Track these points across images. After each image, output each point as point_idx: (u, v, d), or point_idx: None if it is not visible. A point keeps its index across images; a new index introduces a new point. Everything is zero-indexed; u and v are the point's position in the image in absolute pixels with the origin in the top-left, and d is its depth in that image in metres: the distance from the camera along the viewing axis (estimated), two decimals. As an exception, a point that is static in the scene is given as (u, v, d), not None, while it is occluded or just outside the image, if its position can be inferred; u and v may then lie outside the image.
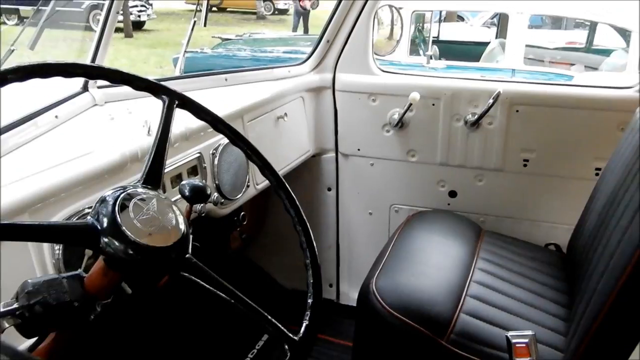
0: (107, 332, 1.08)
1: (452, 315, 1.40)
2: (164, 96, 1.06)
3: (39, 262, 1.04)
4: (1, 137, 1.13)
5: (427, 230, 1.79)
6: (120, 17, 1.51)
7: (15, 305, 0.82)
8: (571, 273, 1.61)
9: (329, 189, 2.22)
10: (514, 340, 1.27)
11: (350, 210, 2.23)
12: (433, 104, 1.97)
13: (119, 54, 9.48)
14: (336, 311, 2.31)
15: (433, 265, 1.60)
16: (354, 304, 2.25)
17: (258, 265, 2.21)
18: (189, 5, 18.83)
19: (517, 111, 1.91)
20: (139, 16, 13.24)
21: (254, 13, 16.83)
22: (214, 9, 16.54)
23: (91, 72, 1.04)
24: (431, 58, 4.64)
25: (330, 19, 2.01)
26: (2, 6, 14.10)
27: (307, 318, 1.01)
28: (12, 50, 1.42)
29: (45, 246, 1.06)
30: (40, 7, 1.53)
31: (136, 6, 12.85)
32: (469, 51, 6.09)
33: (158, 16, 14.79)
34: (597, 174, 1.80)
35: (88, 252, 1.11)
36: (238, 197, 1.62)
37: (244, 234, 1.90)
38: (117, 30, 1.27)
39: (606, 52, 5.71)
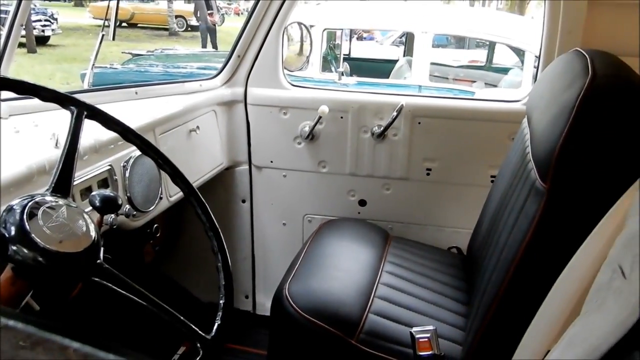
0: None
1: (361, 315, 1.47)
2: (72, 107, 1.06)
3: None
4: None
5: (338, 237, 1.86)
6: (23, 32, 1.48)
7: None
8: (469, 272, 1.73)
9: (243, 201, 2.25)
10: (417, 336, 1.35)
11: (264, 221, 2.28)
12: (341, 117, 2.06)
13: (21, 70, 9.05)
14: (252, 322, 2.33)
15: (343, 269, 1.67)
16: (263, 313, 2.29)
17: (172, 278, 2.20)
18: (96, 21, 18.31)
19: (419, 123, 2.03)
20: (43, 31, 12.68)
21: (167, 29, 16.58)
22: (124, 24, 16.17)
23: None
24: (342, 74, 4.79)
25: (241, 34, 2.06)
26: None
27: (219, 318, 1.04)
28: None
29: None
30: None
31: (40, 20, 12.30)
32: (379, 68, 6.32)
33: (64, 31, 14.24)
34: (492, 181, 1.95)
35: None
36: (150, 209, 1.63)
37: (157, 246, 1.90)
38: (19, 45, 1.24)
39: (504, 70, 6.10)
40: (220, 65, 2.17)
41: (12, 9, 1.36)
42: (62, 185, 0.98)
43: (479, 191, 1.94)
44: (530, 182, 1.28)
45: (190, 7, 19.28)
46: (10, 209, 0.87)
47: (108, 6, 1.70)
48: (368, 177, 2.12)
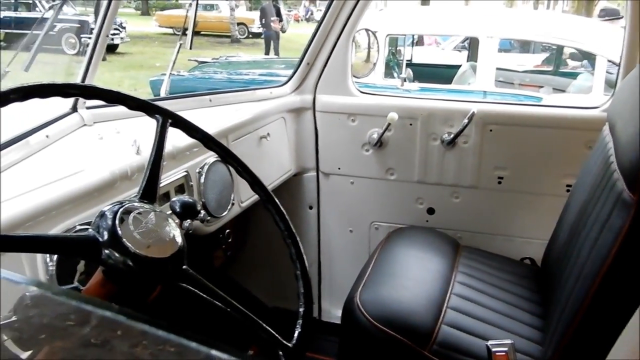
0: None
1: (433, 326, 1.44)
2: (157, 115, 1.10)
3: (33, 277, 1.06)
4: None
5: (407, 246, 1.84)
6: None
7: (14, 318, 0.84)
8: (545, 285, 1.68)
9: (310, 207, 2.26)
10: (494, 349, 1.32)
11: (331, 228, 2.28)
12: (410, 124, 2.04)
13: (92, 77, 9.42)
14: (318, 328, 2.33)
15: (414, 278, 1.65)
16: (336, 321, 2.28)
17: (239, 283, 2.24)
18: (162, 29, 18.91)
19: (491, 130, 1.99)
20: (112, 39, 13.18)
21: (229, 36, 16.96)
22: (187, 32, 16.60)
23: (86, 92, 1.07)
24: (405, 80, 4.77)
25: (310, 42, 2.08)
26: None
27: (299, 325, 1.05)
28: (7, 72, 1.44)
29: (39, 261, 1.08)
30: (34, 31, 1.56)
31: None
32: (441, 74, 6.25)
33: (131, 39, 14.79)
34: (567, 190, 1.88)
35: (80, 268, 1.13)
36: (223, 214, 1.65)
37: (229, 251, 1.93)
38: None
39: (573, 75, 5.91)
40: (281, 71, 2.19)
41: (98, 20, 1.42)
42: (149, 191, 1.01)
43: (553, 201, 1.88)
44: (616, 193, 1.23)
45: (251, 14, 19.67)
46: (102, 215, 0.90)
47: (186, 16, 1.75)
48: (437, 185, 2.09)
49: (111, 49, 13.13)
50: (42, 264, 1.08)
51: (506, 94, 4.84)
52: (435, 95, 3.05)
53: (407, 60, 6.19)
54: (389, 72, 5.46)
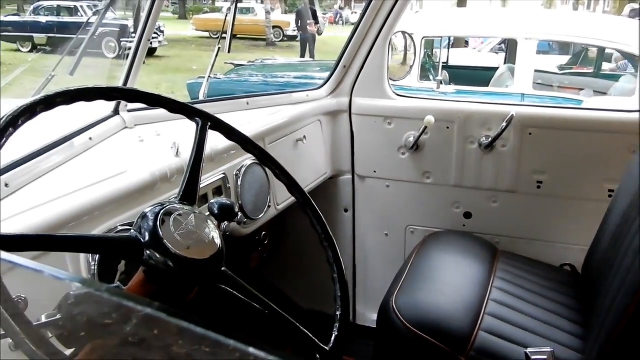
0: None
1: (471, 332, 1.43)
2: (197, 118, 1.11)
3: (75, 274, 1.08)
4: (41, 157, 1.19)
5: (444, 251, 1.83)
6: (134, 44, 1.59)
7: (59, 316, 0.86)
8: (587, 292, 1.64)
9: (346, 210, 2.26)
10: (533, 357, 1.30)
11: (366, 232, 2.27)
12: (447, 127, 2.02)
13: (131, 80, 9.61)
14: (353, 332, 2.33)
15: (451, 283, 1.63)
16: (370, 325, 2.27)
17: (276, 285, 2.25)
18: (198, 33, 19.18)
19: (530, 134, 1.96)
20: (151, 43, 13.41)
21: (264, 39, 17.09)
22: (224, 36, 16.80)
23: (128, 96, 1.10)
24: (441, 83, 4.72)
25: (347, 45, 2.08)
26: (18, 34, 14.39)
27: (336, 329, 1.05)
28: (53, 76, 1.49)
29: (82, 261, 1.10)
30: (79, 36, 1.60)
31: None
32: (478, 76, 6.17)
33: (169, 43, 15.03)
34: (610, 196, 1.83)
35: (121, 268, 1.15)
36: (260, 217, 1.67)
37: (264, 253, 1.94)
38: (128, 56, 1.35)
39: (615, 77, 5.76)
40: (317, 74, 2.20)
41: (140, 24, 1.45)
42: (189, 193, 1.02)
43: (595, 206, 1.83)
44: None
45: (287, 17, 19.79)
46: (144, 216, 0.91)
47: (225, 20, 1.77)
48: (474, 189, 2.07)
49: (149, 52, 13.27)
50: (85, 264, 1.11)
51: (545, 96, 4.75)
52: (473, 98, 3.02)
53: (443, 63, 6.13)
54: (424, 75, 5.41)
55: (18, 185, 1.11)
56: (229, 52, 1.71)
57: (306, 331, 0.99)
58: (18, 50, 14.24)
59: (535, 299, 1.61)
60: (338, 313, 1.08)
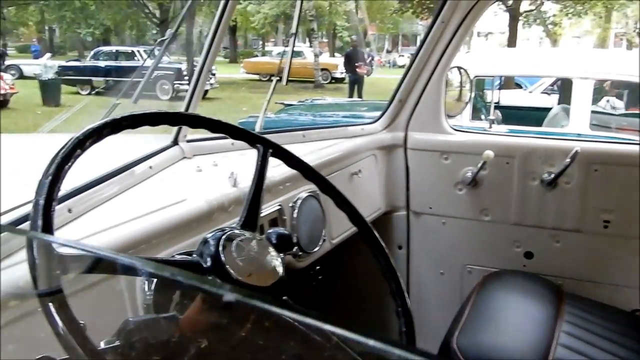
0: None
1: None
2: (258, 145, 1.10)
3: (131, 302, 1.07)
4: (103, 184, 1.19)
5: (507, 291, 1.74)
6: (186, 87, 1.62)
7: (117, 343, 0.84)
8: None
9: (400, 247, 2.20)
10: (609, 407, 1.20)
11: (421, 270, 2.20)
12: (507, 163, 1.96)
13: (183, 121, 9.86)
14: None
15: (516, 325, 1.55)
16: None
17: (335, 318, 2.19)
18: (248, 75, 19.67)
19: (596, 170, 1.87)
20: (203, 85, 13.85)
21: (312, 82, 17.38)
22: (272, 78, 17.16)
23: (192, 121, 1.09)
24: (493, 122, 4.64)
25: (403, 78, 2.06)
26: (78, 78, 15.09)
27: None
28: (117, 105, 1.52)
29: (138, 288, 1.09)
30: (134, 79, 1.65)
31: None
32: (530, 117, 6.05)
33: (220, 85, 15.46)
34: None
35: (175, 298, 1.13)
36: (315, 250, 1.63)
37: (319, 288, 1.90)
38: (182, 98, 1.37)
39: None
40: (365, 113, 2.19)
41: (202, 54, 1.47)
42: (251, 219, 1.00)
43: None
44: None
45: (334, 60, 20.12)
46: (205, 241, 0.89)
47: (281, 61, 1.80)
48: (535, 228, 1.98)
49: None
50: (140, 293, 1.09)
51: (603, 136, 4.61)
52: (533, 134, 2.94)
53: (495, 103, 6.05)
54: (476, 115, 5.35)
55: (80, 212, 1.11)
56: (286, 84, 1.72)
57: None
58: (78, 93, 14.91)
59: (608, 345, 1.51)
60: None
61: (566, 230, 1.94)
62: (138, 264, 0.84)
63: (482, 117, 5.26)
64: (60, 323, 0.68)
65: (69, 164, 0.81)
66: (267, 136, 1.74)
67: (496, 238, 2.04)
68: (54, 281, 0.74)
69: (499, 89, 6.92)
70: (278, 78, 1.72)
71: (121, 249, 1.08)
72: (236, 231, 0.94)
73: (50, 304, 0.68)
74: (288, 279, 0.98)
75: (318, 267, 1.83)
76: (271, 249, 0.95)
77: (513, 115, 5.96)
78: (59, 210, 1.06)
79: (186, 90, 1.58)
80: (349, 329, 0.43)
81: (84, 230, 1.06)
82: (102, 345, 0.82)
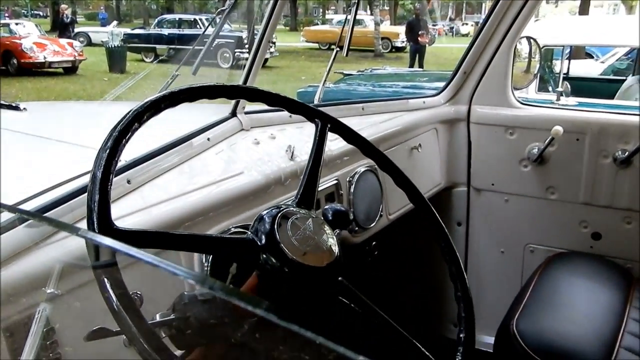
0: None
1: None
2: (317, 119, 1.07)
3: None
4: (161, 155, 1.20)
5: (571, 274, 1.67)
6: (246, 54, 1.60)
7: (172, 316, 0.85)
8: None
9: (459, 224, 2.14)
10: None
11: (480, 248, 2.14)
12: (577, 139, 1.86)
13: (243, 90, 9.95)
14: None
15: (580, 310, 1.48)
16: (484, 348, 2.13)
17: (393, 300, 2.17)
18: (308, 44, 19.58)
19: None
20: (263, 53, 13.89)
21: (372, 51, 17.12)
22: (332, 46, 17.00)
23: (250, 94, 1.08)
24: (562, 94, 4.43)
25: (468, 50, 1.97)
26: (143, 45, 15.45)
27: (460, 353, 0.96)
28: (177, 76, 1.52)
29: (196, 262, 1.09)
30: (196, 47, 1.65)
31: (260, 43, 13.50)
32: (602, 89, 5.75)
33: (279, 54, 15.47)
34: None
35: (232, 271, 1.13)
36: (371, 225, 1.60)
37: (376, 264, 1.87)
38: (242, 66, 1.35)
39: None
40: (427, 84, 2.11)
41: (262, 24, 1.45)
42: (307, 196, 0.98)
43: None
44: None
45: (395, 28, 19.74)
46: (261, 218, 0.88)
47: (342, 30, 1.75)
48: (605, 208, 1.88)
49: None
50: (199, 264, 1.10)
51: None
52: (607, 109, 2.77)
53: (564, 74, 5.78)
54: (543, 86, 5.12)
55: (139, 183, 1.12)
56: (346, 55, 1.67)
57: (428, 354, 0.91)
58: (142, 60, 15.26)
59: None
60: (462, 335, 0.99)
61: (639, 212, 1.83)
62: (191, 240, 0.83)
63: (550, 88, 5.04)
64: (113, 297, 0.68)
65: (127, 137, 0.81)
66: (325, 109, 1.72)
67: (562, 217, 1.95)
68: (108, 254, 0.74)
69: (568, 59, 6.61)
70: (338, 48, 1.68)
71: (179, 221, 1.08)
72: (292, 209, 0.92)
73: (104, 276, 0.68)
74: (344, 259, 0.96)
75: (374, 243, 1.80)
76: (327, 228, 0.93)
77: (583, 87, 5.67)
78: (118, 182, 1.07)
79: (246, 59, 1.56)
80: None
81: (142, 201, 1.07)
82: (158, 318, 0.83)
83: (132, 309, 0.71)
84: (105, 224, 0.73)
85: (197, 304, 0.87)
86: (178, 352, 0.91)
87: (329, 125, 1.07)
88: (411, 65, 13.16)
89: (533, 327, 1.39)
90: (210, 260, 1.11)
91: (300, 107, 1.07)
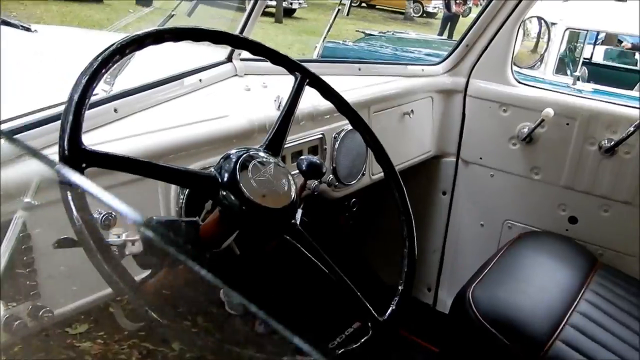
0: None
1: (547, 339, 1.35)
2: (297, 72, 1.13)
3: (164, 205, 1.15)
4: (151, 90, 1.26)
5: (538, 251, 1.73)
6: (273, 2, 1.60)
7: (137, 237, 0.92)
8: None
9: (444, 193, 2.20)
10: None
11: (461, 218, 2.20)
12: (567, 124, 1.89)
13: (266, 37, 9.90)
14: (430, 316, 2.29)
15: (536, 285, 1.55)
16: (440, 309, 2.22)
17: (359, 254, 2.25)
18: (340, -1, 19.23)
19: None
20: (291, 3, 13.72)
21: (402, 13, 16.82)
22: (363, 4, 16.74)
23: (234, 41, 1.13)
24: (578, 79, 4.40)
25: (474, 23, 1.99)
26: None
27: (394, 303, 1.03)
28: (172, 15, 1.56)
29: (172, 192, 1.16)
30: None
31: (292, -8, 13.34)
32: (623, 78, 5.67)
33: (309, 5, 15.23)
34: None
35: (207, 206, 1.21)
36: (352, 183, 1.66)
37: (351, 220, 1.95)
38: (269, 14, 1.36)
39: None
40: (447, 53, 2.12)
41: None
42: (275, 143, 1.04)
43: None
44: None
45: (429, -8, 19.29)
46: (227, 157, 0.95)
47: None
48: (585, 194, 1.92)
49: (288, 12, 13.64)
50: (175, 196, 1.17)
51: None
52: (600, 97, 2.77)
53: (586, 59, 5.70)
54: (562, 69, 5.07)
55: (126, 113, 1.18)
56: (347, 14, 1.70)
57: (363, 299, 0.98)
58: (170, -4, 15.12)
59: (629, 320, 1.49)
60: (400, 287, 1.06)
61: (617, 201, 1.88)
62: (155, 168, 0.90)
63: (568, 72, 4.99)
64: (75, 212, 0.75)
65: (107, 66, 0.87)
66: (320, 64, 1.76)
67: (542, 198, 2.00)
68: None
69: (600, 44, 6.49)
70: (340, 5, 1.70)
71: (159, 154, 1.15)
72: (259, 153, 0.99)
73: (69, 192, 0.76)
74: (315, 210, 1.03)
75: (354, 200, 1.87)
76: (289, 176, 0.99)
77: (605, 75, 5.61)
78: (106, 109, 1.14)
79: (274, 6, 1.58)
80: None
81: (126, 130, 1.13)
82: (124, 237, 0.90)
83: (91, 225, 0.78)
84: (74, 144, 0.80)
85: (163, 229, 0.95)
86: (144, 273, 0.99)
87: (307, 80, 1.12)
88: (440, 33, 12.92)
89: (488, 295, 1.46)
90: (186, 193, 1.19)
91: (282, 59, 1.12)
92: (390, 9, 16.29)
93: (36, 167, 0.96)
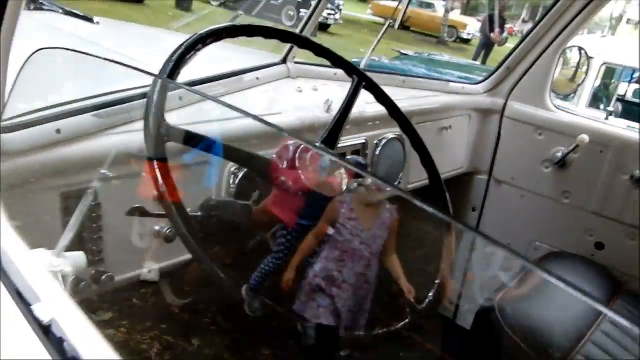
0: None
1: (569, 351, 1.40)
2: (354, 75, 1.20)
3: (217, 186, 1.22)
4: (212, 83, 1.35)
5: (563, 271, 1.77)
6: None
7: (199, 214, 1.00)
8: None
9: (474, 210, 2.25)
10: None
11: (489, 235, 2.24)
12: (601, 151, 1.94)
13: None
14: (450, 330, 2.32)
15: (560, 302, 1.59)
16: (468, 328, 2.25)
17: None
18: (374, 18, 19.39)
19: None
20: (327, 19, 13.90)
21: (436, 37, 16.90)
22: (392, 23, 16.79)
23: (301, 41, 1.21)
24: (611, 114, 4.42)
25: (517, 46, 2.05)
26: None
27: (432, 295, 1.10)
28: (239, 15, 1.66)
29: (225, 175, 1.24)
30: None
31: (327, 8, 13.49)
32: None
33: (343, 22, 15.39)
34: None
35: (254, 196, 1.29)
36: (387, 189, 1.73)
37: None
38: None
39: None
40: (480, 79, 2.19)
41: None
42: (331, 138, 1.12)
43: None
44: None
45: (464, 19, 19.33)
46: (287, 146, 1.02)
47: (406, 7, 1.84)
48: (613, 221, 1.96)
49: (323, 27, 13.80)
50: (227, 178, 1.23)
51: None
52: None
53: (620, 96, 5.71)
54: (595, 103, 5.10)
55: (189, 102, 1.26)
56: (398, 28, 1.77)
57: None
58: (209, 2, 15.39)
59: None
60: (437, 281, 1.12)
61: None
62: (228, 149, 0.98)
63: (601, 106, 5.01)
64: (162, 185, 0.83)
65: (190, 54, 0.96)
66: (369, 74, 1.83)
67: (571, 222, 2.04)
68: (160, 150, 0.89)
69: (635, 82, 6.48)
70: (391, 21, 1.78)
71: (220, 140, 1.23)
72: (316, 144, 1.06)
73: (157, 167, 0.84)
74: None
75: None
76: (343, 170, 1.06)
77: (636, 113, 5.60)
78: (172, 96, 1.22)
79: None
80: None
81: (190, 117, 1.21)
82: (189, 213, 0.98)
83: (177, 199, 0.86)
84: (160, 119, 0.88)
85: (221, 208, 1.03)
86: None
87: (363, 83, 1.20)
88: (475, 58, 12.95)
89: (514, 308, 1.51)
90: (239, 177, 1.26)
91: (342, 62, 1.20)
92: (425, 32, 16.37)
93: (114, 141, 1.05)
